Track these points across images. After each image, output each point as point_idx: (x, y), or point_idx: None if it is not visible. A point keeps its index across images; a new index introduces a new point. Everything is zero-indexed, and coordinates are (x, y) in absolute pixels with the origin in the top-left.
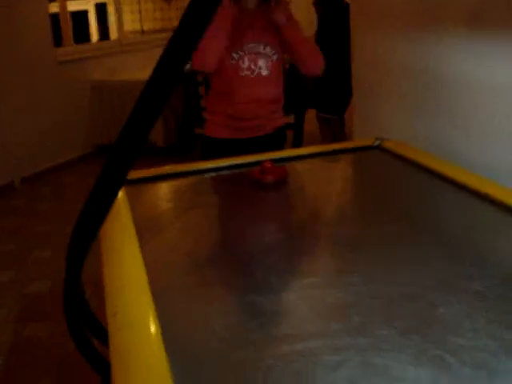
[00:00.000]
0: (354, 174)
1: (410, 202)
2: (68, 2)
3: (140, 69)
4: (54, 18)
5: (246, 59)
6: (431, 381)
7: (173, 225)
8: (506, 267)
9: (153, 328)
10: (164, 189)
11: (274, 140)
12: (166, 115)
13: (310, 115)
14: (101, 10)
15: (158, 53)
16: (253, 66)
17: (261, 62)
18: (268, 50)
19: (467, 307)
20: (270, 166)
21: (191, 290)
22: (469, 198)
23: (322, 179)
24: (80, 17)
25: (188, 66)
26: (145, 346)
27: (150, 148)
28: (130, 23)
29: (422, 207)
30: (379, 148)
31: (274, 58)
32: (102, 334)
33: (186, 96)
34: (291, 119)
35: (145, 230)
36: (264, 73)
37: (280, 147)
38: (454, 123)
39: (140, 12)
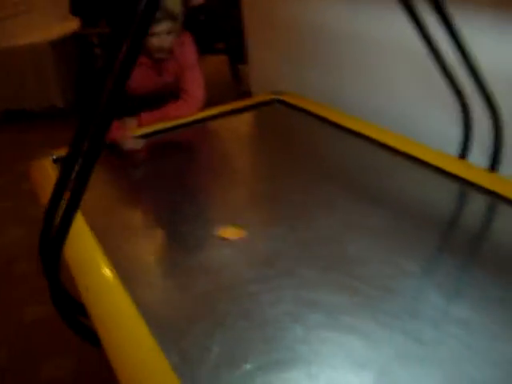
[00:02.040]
0: (257, 130)
1: (313, 152)
2: None
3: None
4: None
5: None
6: (349, 303)
7: None
8: (399, 206)
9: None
10: None
11: None
12: (62, 76)
13: None
14: None
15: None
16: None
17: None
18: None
19: (369, 242)
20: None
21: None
22: (366, 145)
23: (226, 140)
24: None
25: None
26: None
27: (50, 111)
28: None
29: (325, 156)
30: (277, 102)
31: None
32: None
33: (82, 56)
34: None
35: None
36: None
37: None
38: (342, 75)
39: None
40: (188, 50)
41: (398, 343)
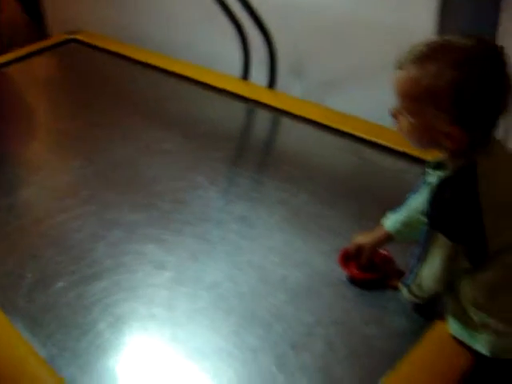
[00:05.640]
0: (54, 71)
1: (110, 88)
2: None
3: None
4: None
5: None
6: (146, 218)
7: None
8: (187, 129)
9: None
10: None
11: None
12: None
13: None
14: None
15: None
16: None
17: None
18: None
19: (161, 163)
20: None
21: None
22: (156, 75)
23: (24, 85)
24: None
25: None
26: None
27: None
28: None
29: (121, 90)
30: (73, 41)
31: None
32: None
33: None
34: None
35: None
36: None
37: None
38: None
39: None
40: None
41: (189, 245)
